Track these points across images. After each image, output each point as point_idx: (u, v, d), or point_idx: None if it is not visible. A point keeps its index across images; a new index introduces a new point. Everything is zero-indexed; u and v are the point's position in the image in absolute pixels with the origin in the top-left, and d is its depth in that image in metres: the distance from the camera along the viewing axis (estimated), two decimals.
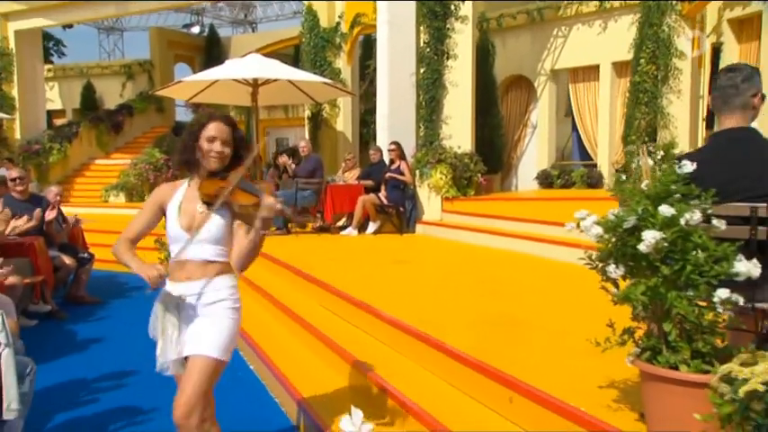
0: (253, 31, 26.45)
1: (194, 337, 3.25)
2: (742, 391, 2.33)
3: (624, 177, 3.05)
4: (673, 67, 11.24)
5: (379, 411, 4.28)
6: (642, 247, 2.74)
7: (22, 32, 19.67)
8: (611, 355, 3.13)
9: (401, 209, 11.48)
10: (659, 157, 8.28)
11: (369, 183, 11.61)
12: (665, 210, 2.75)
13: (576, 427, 3.49)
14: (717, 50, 14.04)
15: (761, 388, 2.27)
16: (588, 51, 13.94)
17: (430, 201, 11.75)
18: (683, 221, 2.74)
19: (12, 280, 6.61)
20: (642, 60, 11.64)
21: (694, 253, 2.78)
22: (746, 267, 2.73)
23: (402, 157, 11.52)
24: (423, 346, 5.06)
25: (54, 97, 23.75)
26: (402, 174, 11.40)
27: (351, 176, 12.33)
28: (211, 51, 23.31)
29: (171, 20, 23.44)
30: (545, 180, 14.59)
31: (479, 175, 11.99)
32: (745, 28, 13.38)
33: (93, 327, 8.21)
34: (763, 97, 3.53)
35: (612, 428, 3.28)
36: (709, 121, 14.33)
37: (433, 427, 3.81)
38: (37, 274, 7.88)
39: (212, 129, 3.24)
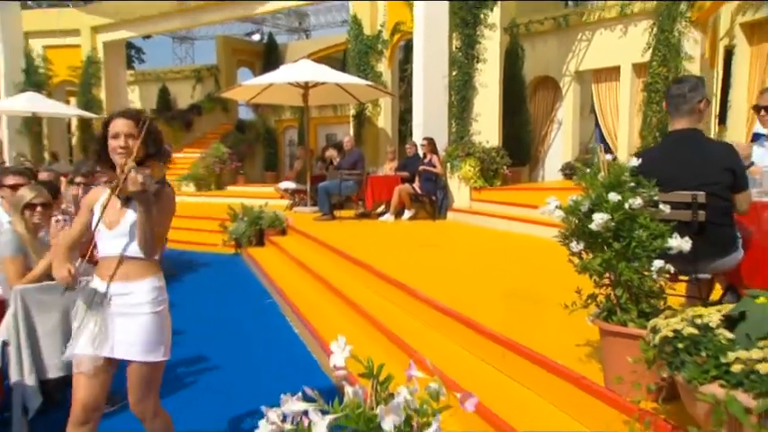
0: (306, 37, 26.70)
1: (124, 341, 2.99)
2: (657, 338, 2.61)
3: (588, 170, 3.26)
4: (682, 69, 11.11)
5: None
6: (593, 227, 3.03)
7: (108, 43, 20.35)
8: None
9: (433, 198, 11.57)
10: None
11: (404, 174, 11.71)
12: (613, 196, 3.01)
13: (559, 380, 3.68)
14: (729, 53, 13.98)
15: (670, 334, 2.53)
16: (610, 54, 13.85)
17: (460, 190, 11.81)
18: (627, 206, 3.00)
19: None
20: (654, 63, 11.58)
21: (638, 232, 3.04)
22: (677, 243, 3.01)
23: (434, 151, 11.60)
24: (450, 320, 5.11)
25: (135, 99, 24.34)
26: (434, 166, 11.49)
27: (389, 168, 12.49)
28: (270, 56, 23.51)
29: (235, 29, 23.89)
30: (569, 171, 14.34)
31: (505, 167, 11.98)
32: (756, 31, 13.31)
33: (169, 292, 8.57)
34: (707, 102, 3.77)
35: (581, 379, 3.50)
36: (722, 118, 14.30)
37: (452, 386, 3.76)
38: None
39: (115, 125, 2.98)
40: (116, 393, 4.74)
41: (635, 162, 3.26)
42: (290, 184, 14.01)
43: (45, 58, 20.50)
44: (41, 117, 18.70)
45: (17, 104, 17.53)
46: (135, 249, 2.97)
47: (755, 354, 2.30)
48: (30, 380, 4.16)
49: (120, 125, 2.95)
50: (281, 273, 8.99)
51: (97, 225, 3.04)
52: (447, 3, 11.97)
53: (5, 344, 4.19)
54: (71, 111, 19.17)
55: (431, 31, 12.00)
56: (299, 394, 2.06)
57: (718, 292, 4.11)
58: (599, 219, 3.01)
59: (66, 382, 4.24)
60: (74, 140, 20.62)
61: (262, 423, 1.96)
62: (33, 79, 19.85)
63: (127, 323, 2.98)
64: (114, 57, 20.82)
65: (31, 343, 4.21)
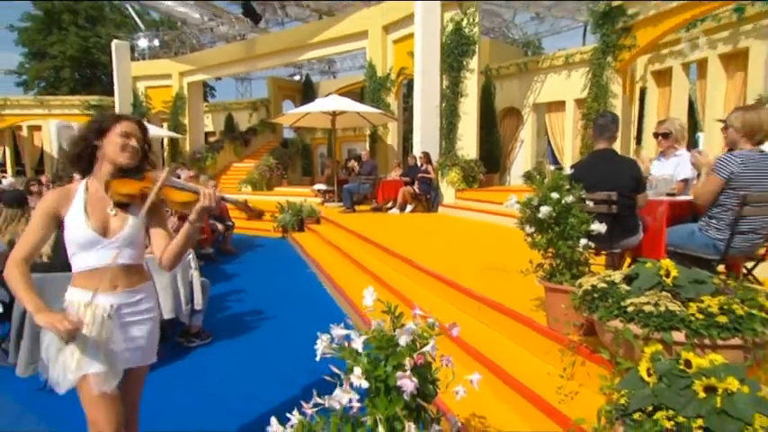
0: (333, 77, 26.64)
1: (139, 348, 2.28)
2: (581, 291, 2.79)
3: (537, 177, 3.38)
4: (610, 104, 11.09)
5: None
6: (540, 215, 3.16)
7: (191, 84, 20.54)
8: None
9: (428, 196, 11.56)
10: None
11: (407, 179, 11.70)
12: (554, 194, 3.14)
13: (516, 323, 3.79)
14: (643, 92, 14.03)
15: (589, 288, 2.71)
16: (558, 91, 13.85)
17: (447, 191, 11.80)
18: (563, 201, 3.14)
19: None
20: (589, 99, 11.60)
21: (571, 219, 3.16)
22: (597, 227, 3.15)
23: (429, 161, 11.57)
24: (439, 283, 5.17)
25: (209, 124, 24.34)
26: (429, 173, 11.48)
27: (395, 174, 12.47)
28: (306, 92, 23.39)
29: (281, 72, 23.95)
30: (528, 178, 14.32)
31: (481, 174, 11.97)
32: (661, 77, 13.42)
33: (234, 266, 8.70)
34: (617, 132, 3.95)
35: (532, 321, 3.61)
36: (638, 139, 14.38)
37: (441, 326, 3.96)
38: (203, 233, 8.37)
39: (127, 126, 2.24)
40: (206, 329, 5.02)
41: (569, 171, 3.38)
42: (322, 186, 14.08)
43: (146, 95, 20.87)
44: None
45: None
46: (136, 256, 2.26)
47: (643, 299, 2.44)
48: None
49: (132, 127, 2.27)
50: (316, 251, 9.03)
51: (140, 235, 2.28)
52: (438, 53, 11.96)
53: None
54: (164, 132, 19.39)
55: (426, 74, 12.01)
56: (342, 324, 2.29)
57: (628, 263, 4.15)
58: (544, 210, 3.14)
59: None
60: (165, 153, 20.89)
61: (319, 341, 2.15)
62: (139, 110, 20.22)
63: (139, 330, 2.28)
64: (195, 93, 21.00)
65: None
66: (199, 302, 4.71)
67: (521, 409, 3.05)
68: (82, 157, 2.24)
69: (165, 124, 20.76)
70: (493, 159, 13.81)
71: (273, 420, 2.14)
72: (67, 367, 2.08)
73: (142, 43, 21.68)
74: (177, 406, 3.71)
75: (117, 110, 20.40)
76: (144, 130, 2.33)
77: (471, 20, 11.78)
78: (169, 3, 19.91)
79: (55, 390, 2.11)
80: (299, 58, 17.89)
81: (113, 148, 2.20)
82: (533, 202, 3.24)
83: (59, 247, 3.75)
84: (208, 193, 2.18)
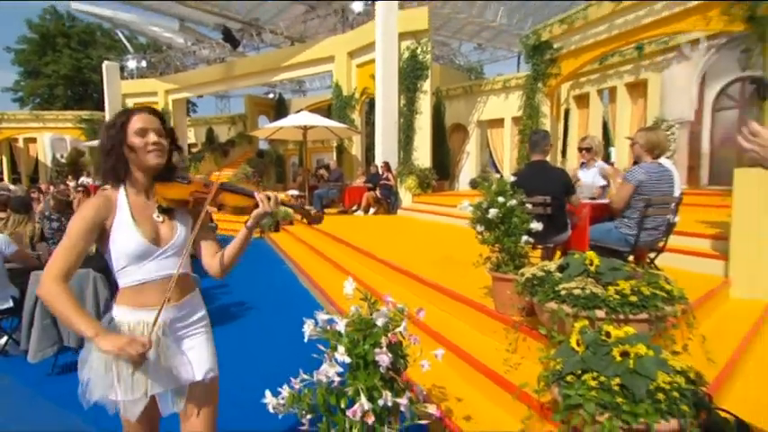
0: (304, 95, 26.46)
1: (195, 363, 1.81)
2: (523, 279, 2.90)
3: (486, 183, 3.46)
4: (541, 122, 11.29)
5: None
6: (489, 216, 3.23)
7: (175, 100, 20.00)
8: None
9: (389, 200, 11.57)
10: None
11: (370, 185, 11.67)
12: (500, 198, 3.22)
13: (469, 308, 3.84)
14: (567, 112, 14.39)
15: (530, 276, 2.85)
16: (497, 110, 13.99)
17: (405, 195, 11.85)
18: (508, 204, 3.21)
19: None
20: (524, 117, 11.76)
21: (514, 219, 3.24)
22: (535, 225, 3.23)
23: (389, 170, 11.61)
24: (402, 275, 5.17)
25: (191, 136, 23.80)
26: (389, 180, 11.51)
27: (360, 181, 12.42)
28: (279, 108, 23.11)
29: (257, 90, 23.65)
30: (473, 184, 14.30)
31: (434, 181, 12.08)
32: (581, 101, 13.82)
33: None
34: (551, 145, 4.11)
35: (482, 306, 3.67)
36: (564, 152, 14.76)
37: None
38: None
39: (139, 120, 1.72)
40: None
41: (512, 179, 3.46)
42: (295, 192, 13.99)
43: None
44: None
45: None
46: (186, 264, 1.81)
47: (572, 284, 2.57)
48: None
49: (145, 120, 1.73)
50: (291, 249, 8.94)
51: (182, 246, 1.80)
52: (396, 76, 12.01)
53: None
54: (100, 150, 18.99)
55: (386, 94, 12.05)
56: (324, 311, 2.33)
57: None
58: (492, 212, 3.22)
59: None
60: None
61: (305, 326, 2.15)
62: None
63: (193, 343, 1.85)
64: (179, 109, 20.46)
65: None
66: None
67: (474, 380, 3.11)
68: (117, 169, 1.75)
69: (100, 146, 20.27)
70: (444, 168, 13.90)
71: (267, 393, 2.11)
72: (123, 388, 1.62)
73: (131, 64, 21.05)
74: None
75: None
76: (161, 118, 1.83)
77: (424, 48, 11.88)
78: (156, 29, 19.43)
79: (100, 407, 1.68)
80: (273, 78, 17.68)
81: (138, 151, 1.72)
82: (483, 205, 3.31)
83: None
84: (267, 197, 1.84)
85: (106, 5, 18.75)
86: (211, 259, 1.91)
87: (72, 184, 14.25)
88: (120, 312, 1.76)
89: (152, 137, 1.75)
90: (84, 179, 15.64)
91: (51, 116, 22.59)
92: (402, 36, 11.98)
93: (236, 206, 1.88)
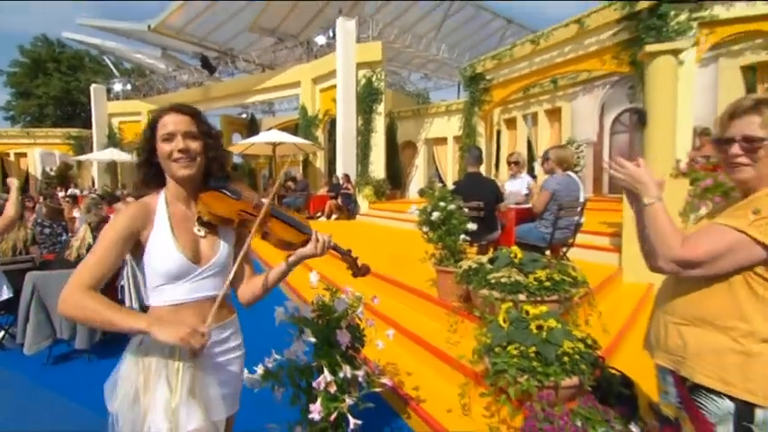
0: (273, 115, 26.01)
1: (228, 395, 1.42)
2: (461, 270, 3.01)
3: (430, 191, 3.53)
4: (477, 141, 11.34)
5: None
6: (433, 218, 3.30)
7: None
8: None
9: (349, 207, 11.52)
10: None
11: (332, 194, 11.59)
12: (441, 204, 3.29)
13: (417, 297, 3.88)
14: (499, 133, 14.68)
15: (467, 268, 2.97)
16: (442, 130, 14.01)
17: (363, 203, 11.83)
18: (448, 208, 3.29)
19: None
20: (463, 136, 11.80)
21: (454, 221, 3.32)
22: (471, 226, 3.32)
23: (349, 181, 11.57)
24: None
25: None
26: (349, 190, 11.48)
27: (323, 191, 12.31)
28: (251, 126, 22.52)
29: (231, 111, 23.11)
30: (422, 193, 14.27)
31: (387, 190, 12.11)
32: (510, 123, 14.22)
33: None
34: (482, 159, 4.27)
35: (428, 294, 3.72)
36: (497, 167, 15.12)
37: None
38: None
39: (166, 123, 1.31)
40: None
41: (452, 187, 3.58)
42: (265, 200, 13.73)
43: (120, 129, 19.32)
44: (117, 162, 17.72)
45: (104, 155, 16.88)
46: (226, 286, 1.34)
47: (500, 274, 2.71)
48: (135, 305, 3.85)
49: (174, 121, 1.31)
50: (262, 249, 8.66)
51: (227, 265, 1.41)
52: (354, 100, 11.99)
53: (122, 287, 3.91)
54: (134, 158, 18.20)
55: (346, 115, 12.02)
56: (290, 300, 2.34)
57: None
58: (435, 215, 3.30)
59: None
60: (136, 176, 19.57)
61: (276, 312, 2.16)
62: (113, 141, 18.74)
63: (228, 373, 1.44)
64: None
65: (135, 286, 3.93)
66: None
67: (421, 356, 3.17)
68: (148, 178, 1.39)
69: (135, 152, 19.45)
70: (396, 179, 13.94)
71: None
72: (156, 425, 1.21)
73: (117, 87, 20.14)
74: None
75: (95, 141, 18.84)
76: (196, 118, 1.36)
77: (379, 77, 11.95)
78: (140, 56, 18.76)
79: None
80: (246, 101, 17.36)
81: (164, 160, 1.33)
82: (428, 209, 3.39)
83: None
84: (320, 241, 1.42)
85: (94, 35, 18.03)
86: (244, 286, 1.49)
87: (61, 194, 13.55)
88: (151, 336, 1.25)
89: (178, 143, 1.30)
90: (72, 190, 14.90)
91: (41, 133, 21.37)
92: (359, 66, 12.01)
93: (282, 239, 1.42)
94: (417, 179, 15.45)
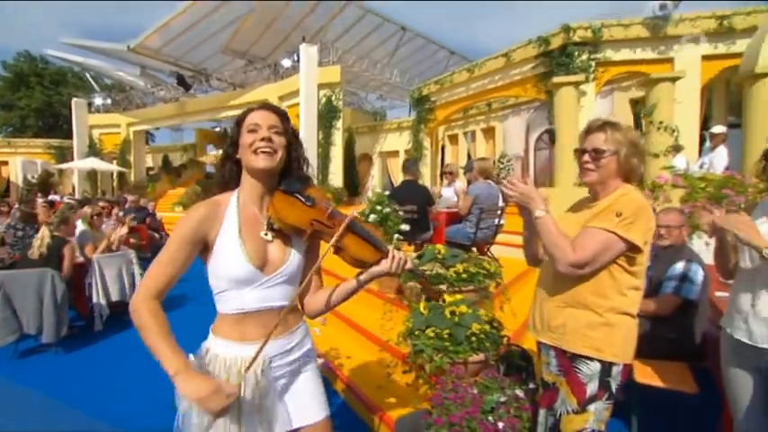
0: None
1: (300, 408, 1.23)
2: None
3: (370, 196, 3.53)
4: (424, 154, 11.51)
5: None
6: (370, 220, 3.32)
7: (136, 131, 18.31)
8: None
9: None
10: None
11: None
12: (378, 207, 3.34)
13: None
14: (443, 148, 14.99)
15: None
16: (394, 144, 14.09)
17: None
18: (384, 211, 3.36)
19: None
20: (412, 150, 11.81)
21: (389, 222, 3.34)
22: (403, 227, 3.37)
23: None
24: None
25: (149, 161, 21.85)
26: None
27: None
28: (225, 139, 21.93)
29: (206, 124, 22.39)
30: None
31: (345, 197, 11.99)
32: (453, 139, 14.61)
33: None
34: (419, 170, 4.35)
35: (369, 288, 3.78)
36: (442, 177, 15.36)
37: None
38: (143, 239, 7.61)
39: (254, 117, 1.18)
40: None
41: (388, 192, 3.60)
42: None
43: (100, 140, 18.19)
44: (97, 170, 16.72)
45: (85, 164, 16.00)
46: (294, 298, 1.18)
47: (426, 267, 2.80)
48: (103, 300, 3.92)
49: (261, 116, 1.18)
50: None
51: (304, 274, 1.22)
52: (316, 117, 11.88)
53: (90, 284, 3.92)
54: (114, 167, 17.20)
55: (308, 130, 11.88)
56: None
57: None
58: (372, 217, 3.33)
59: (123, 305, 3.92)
60: (114, 183, 18.40)
61: None
62: (93, 151, 17.59)
63: (299, 383, 1.25)
64: (139, 139, 18.74)
65: (103, 283, 3.95)
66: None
67: (359, 341, 3.20)
68: (226, 176, 1.22)
69: (115, 161, 18.48)
70: (354, 188, 13.87)
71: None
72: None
73: (97, 101, 19.02)
74: (125, 366, 3.30)
75: (75, 151, 17.71)
76: (283, 117, 1.22)
77: (338, 96, 11.90)
78: (121, 74, 17.87)
79: None
80: (219, 116, 16.78)
81: (244, 152, 1.17)
82: (366, 212, 3.42)
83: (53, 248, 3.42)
84: (396, 258, 1.19)
85: (77, 53, 16.98)
86: (310, 296, 1.28)
87: (41, 200, 12.65)
88: (216, 344, 1.16)
89: (263, 132, 1.15)
90: (52, 197, 13.92)
91: (23, 143, 19.92)
92: (320, 86, 11.94)
93: (357, 258, 1.19)
94: (373, 187, 15.49)
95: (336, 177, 12.25)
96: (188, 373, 1.03)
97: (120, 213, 6.90)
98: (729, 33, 6.61)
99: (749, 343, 1.57)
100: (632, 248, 1.35)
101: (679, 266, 2.25)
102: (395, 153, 14.54)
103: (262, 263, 1.13)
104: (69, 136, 19.13)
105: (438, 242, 3.96)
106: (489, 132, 12.94)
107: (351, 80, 17.09)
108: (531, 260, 1.68)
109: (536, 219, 1.42)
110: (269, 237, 1.16)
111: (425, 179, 11.13)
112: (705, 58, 6.88)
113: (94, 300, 3.91)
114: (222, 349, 1.14)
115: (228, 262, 1.11)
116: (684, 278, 2.21)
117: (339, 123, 12.06)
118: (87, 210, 4.75)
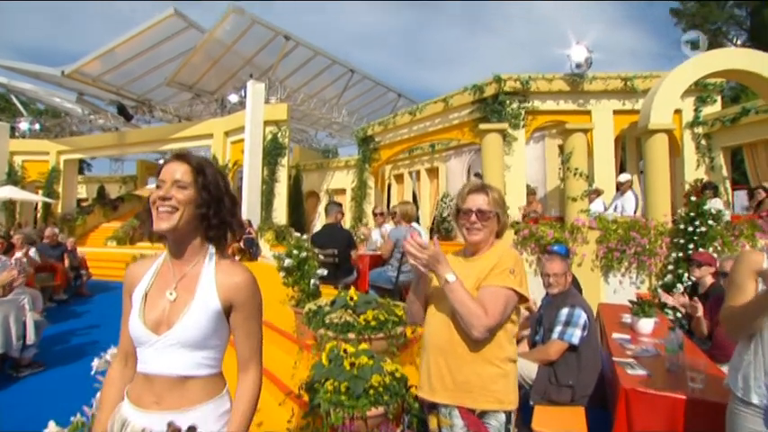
0: None
1: None
2: (305, 311, 3.03)
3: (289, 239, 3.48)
4: (369, 193, 11.74)
5: None
6: (285, 265, 3.29)
7: (67, 160, 17.10)
8: None
9: (250, 250, 10.98)
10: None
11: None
12: (296, 252, 3.31)
13: (279, 335, 3.61)
14: (390, 186, 15.33)
15: (308, 310, 2.98)
16: (340, 182, 14.14)
17: (265, 246, 11.43)
18: (301, 255, 3.33)
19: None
20: (356, 188, 12.09)
21: (306, 267, 3.31)
22: (320, 271, 3.34)
23: (251, 225, 11.20)
24: None
25: (82, 191, 20.58)
26: (251, 234, 11.03)
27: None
28: None
29: (150, 156, 21.54)
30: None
31: (290, 235, 11.75)
32: (399, 179, 14.92)
33: (85, 306, 7.26)
34: (342, 214, 4.39)
35: (288, 333, 3.51)
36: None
37: None
38: (57, 280, 7.05)
39: (163, 171, 1.08)
40: (39, 360, 3.97)
41: (307, 236, 3.56)
42: None
43: (23, 167, 16.70)
44: (15, 201, 15.19)
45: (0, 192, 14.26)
46: (197, 364, 1.04)
47: (334, 315, 2.75)
48: None
49: (165, 170, 1.08)
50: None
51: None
52: (261, 153, 11.82)
53: None
54: (37, 197, 15.77)
55: (252, 166, 11.79)
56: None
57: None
58: (287, 261, 3.30)
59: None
60: (38, 215, 16.87)
61: (94, 361, 2.04)
62: (12, 179, 16.01)
63: None
64: (70, 168, 17.46)
65: None
66: (31, 338, 3.86)
67: (270, 389, 3.03)
68: (150, 230, 1.11)
69: (41, 191, 17.09)
70: (300, 225, 13.35)
71: (51, 423, 1.77)
72: None
73: (23, 126, 17.79)
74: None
75: None
76: (202, 170, 1.08)
77: (284, 133, 11.93)
78: (56, 99, 16.86)
79: None
80: (161, 148, 16.14)
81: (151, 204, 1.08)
82: (282, 256, 3.39)
83: None
84: None
85: (4, 74, 15.87)
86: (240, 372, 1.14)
87: None
88: (123, 405, 1.09)
89: (164, 189, 1.04)
90: None
91: None
92: (267, 123, 11.93)
93: None
94: (319, 225, 15.24)
95: (281, 215, 12.07)
96: None
97: (32, 252, 6.31)
98: (633, 92, 7.46)
99: None
100: (521, 300, 1.47)
101: (564, 312, 2.38)
102: (341, 191, 14.60)
103: (155, 323, 1.05)
104: None
105: (363, 287, 3.95)
106: (433, 172, 13.41)
107: (300, 118, 17.30)
108: (416, 318, 1.63)
109: (446, 284, 1.40)
110: (172, 296, 1.07)
111: (369, 219, 11.20)
112: (616, 112, 7.69)
113: (29, 340, 3.61)
114: (122, 408, 1.08)
115: (130, 318, 1.08)
116: (568, 323, 2.34)
117: (284, 161, 12.04)
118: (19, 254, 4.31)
